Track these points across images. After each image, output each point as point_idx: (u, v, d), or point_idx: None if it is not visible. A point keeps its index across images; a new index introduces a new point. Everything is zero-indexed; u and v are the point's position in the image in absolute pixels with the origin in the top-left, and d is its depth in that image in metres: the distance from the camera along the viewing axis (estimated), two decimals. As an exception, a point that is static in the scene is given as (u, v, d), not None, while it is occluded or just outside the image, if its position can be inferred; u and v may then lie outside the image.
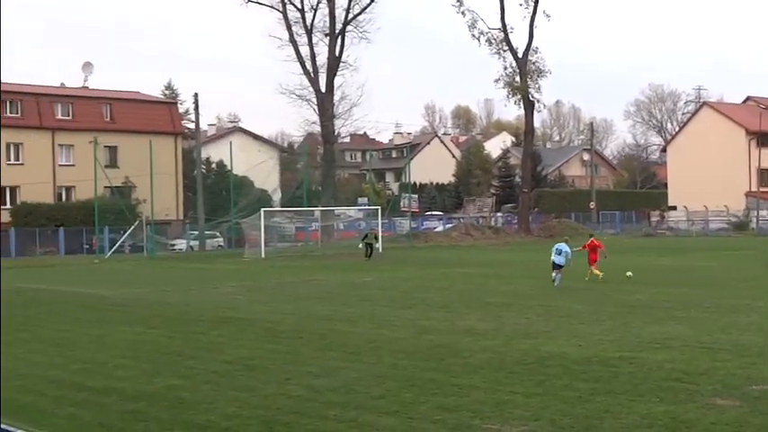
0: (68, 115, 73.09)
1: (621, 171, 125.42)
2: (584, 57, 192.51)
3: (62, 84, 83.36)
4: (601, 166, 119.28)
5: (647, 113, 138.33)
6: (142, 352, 18.74)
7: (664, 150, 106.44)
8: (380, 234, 59.21)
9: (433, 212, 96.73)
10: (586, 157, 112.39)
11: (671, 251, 54.51)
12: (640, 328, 20.46)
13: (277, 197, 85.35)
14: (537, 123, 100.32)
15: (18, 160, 70.04)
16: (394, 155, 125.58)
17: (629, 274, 34.07)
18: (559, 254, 31.67)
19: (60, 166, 71.75)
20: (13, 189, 69.47)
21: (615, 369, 15.60)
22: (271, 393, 14.25)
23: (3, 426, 8.25)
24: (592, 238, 36.17)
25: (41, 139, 70.91)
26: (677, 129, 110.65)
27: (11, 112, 70.20)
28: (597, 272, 33.41)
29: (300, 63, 73.10)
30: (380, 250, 53.50)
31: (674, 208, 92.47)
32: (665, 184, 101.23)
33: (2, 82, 76.59)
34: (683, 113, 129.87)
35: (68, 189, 72.11)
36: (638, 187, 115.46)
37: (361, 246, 53.24)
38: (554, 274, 31.50)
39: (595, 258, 33.99)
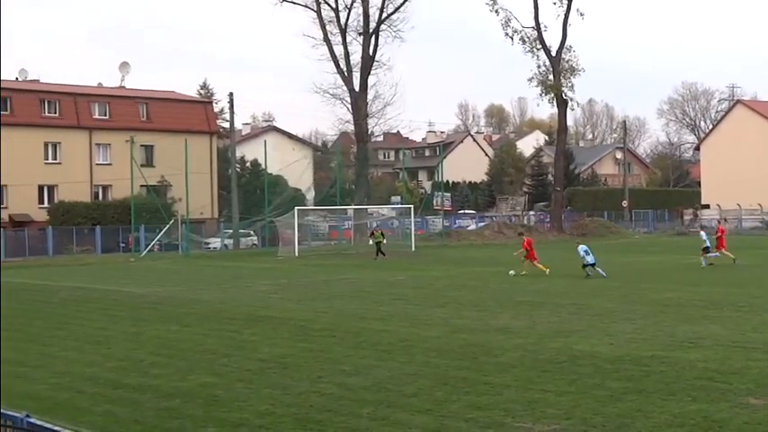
0: (105, 115, 73.71)
1: (654, 169, 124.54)
2: (617, 55, 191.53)
3: (99, 83, 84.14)
4: (634, 165, 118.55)
5: (681, 111, 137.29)
6: (177, 350, 18.94)
7: (697, 149, 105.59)
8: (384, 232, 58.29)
9: (466, 211, 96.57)
10: (619, 155, 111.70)
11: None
12: (673, 327, 20.39)
13: (311, 196, 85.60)
14: (570, 122, 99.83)
15: (56, 159, 70.74)
16: (427, 153, 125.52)
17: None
18: (588, 254, 34.53)
19: (97, 165, 72.35)
20: (51, 188, 70.18)
21: (647, 368, 15.58)
22: (304, 391, 14.37)
23: (33, 420, 8.36)
24: (525, 237, 39.92)
25: (79, 138, 71.56)
26: (711, 127, 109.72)
27: (49, 112, 70.92)
28: (543, 267, 35.80)
29: (334, 62, 73.32)
30: (385, 241, 53.03)
31: (708, 206, 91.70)
32: (699, 183, 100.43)
33: (41, 82, 78.01)
34: (716, 111, 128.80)
35: (105, 188, 72.74)
36: (671, 186, 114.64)
37: (371, 242, 53.08)
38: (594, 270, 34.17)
39: (533, 255, 36.72)
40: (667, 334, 19.37)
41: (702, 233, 42.37)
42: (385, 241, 53.14)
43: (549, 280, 33.46)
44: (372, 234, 53.08)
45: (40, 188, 69.76)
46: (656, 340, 18.61)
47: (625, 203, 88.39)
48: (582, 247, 35.15)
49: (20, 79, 79.24)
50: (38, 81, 79.53)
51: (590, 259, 34.42)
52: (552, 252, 47.64)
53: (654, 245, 56.57)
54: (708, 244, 40.34)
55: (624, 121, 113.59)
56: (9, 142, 67.31)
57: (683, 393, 13.59)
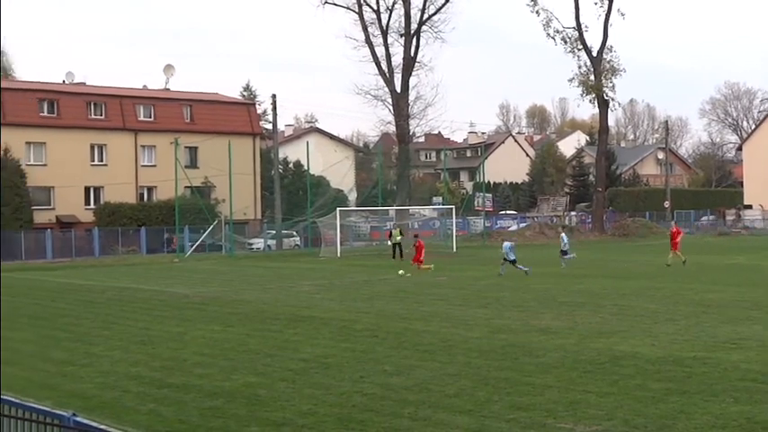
0: (150, 117, 74.41)
1: (696, 170, 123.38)
2: (658, 55, 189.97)
3: (144, 86, 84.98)
4: (675, 165, 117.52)
5: (723, 111, 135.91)
6: (220, 349, 19.13)
7: (739, 149, 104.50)
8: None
9: (507, 211, 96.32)
10: (661, 155, 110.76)
11: (746, 250, 53.58)
12: (715, 328, 20.27)
13: (353, 197, 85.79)
14: (611, 122, 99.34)
15: (102, 161, 71.52)
16: (468, 154, 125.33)
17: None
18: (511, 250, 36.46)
19: (142, 166, 73.05)
20: (97, 189, 70.96)
21: (689, 369, 15.52)
22: (346, 391, 14.47)
23: (79, 419, 8.52)
24: (418, 238, 43.73)
25: (124, 140, 72.32)
26: (753, 127, 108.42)
27: (95, 114, 71.70)
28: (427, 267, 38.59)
29: (376, 63, 73.42)
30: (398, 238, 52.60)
31: (750, 207, 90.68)
32: (741, 183, 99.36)
33: (87, 84, 78.93)
34: (759, 111, 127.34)
35: (150, 189, 73.43)
36: (714, 186, 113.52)
37: (389, 243, 52.66)
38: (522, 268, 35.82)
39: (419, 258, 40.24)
40: (709, 335, 19.27)
41: (564, 236, 42.79)
42: (399, 238, 52.57)
43: (592, 280, 33.30)
44: (390, 234, 52.11)
45: (87, 190, 70.55)
46: (699, 341, 18.52)
47: (667, 204, 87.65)
48: (507, 244, 36.51)
49: (66, 82, 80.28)
50: (84, 84, 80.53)
51: (511, 256, 35.40)
52: (593, 253, 47.39)
53: (696, 245, 55.98)
54: (565, 248, 41.20)
55: (666, 122, 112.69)
56: (56, 144, 68.36)
57: (726, 395, 13.53)
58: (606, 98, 76.72)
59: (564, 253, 40.51)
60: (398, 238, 52.00)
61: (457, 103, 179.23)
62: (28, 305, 29.68)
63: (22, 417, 8.96)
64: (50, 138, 68.39)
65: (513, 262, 35.93)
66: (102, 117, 71.89)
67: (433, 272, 39.04)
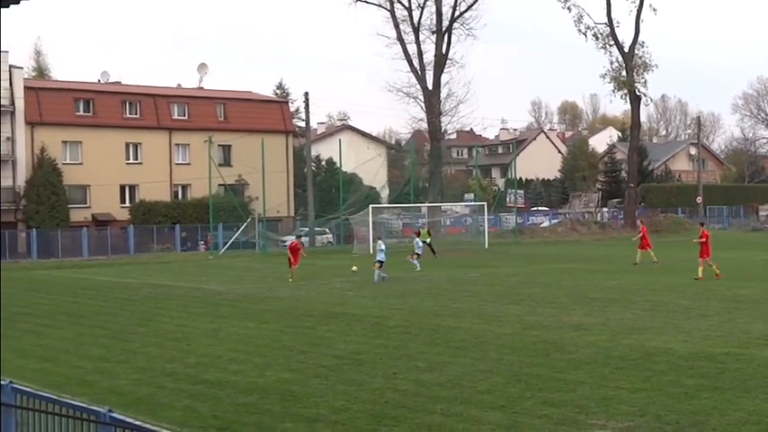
0: (184, 115, 74.85)
1: (729, 165, 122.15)
2: (690, 50, 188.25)
3: (178, 85, 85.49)
4: (708, 161, 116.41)
5: (756, 107, 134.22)
6: (254, 346, 19.30)
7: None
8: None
9: (539, 208, 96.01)
10: (693, 151, 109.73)
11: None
12: (748, 324, 20.18)
13: (385, 194, 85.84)
14: (643, 118, 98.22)
15: (137, 159, 72.05)
16: (500, 151, 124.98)
17: (354, 268, 36.90)
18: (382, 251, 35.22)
19: (177, 164, 73.48)
20: (133, 187, 71.49)
21: (722, 365, 15.49)
22: (378, 387, 14.58)
23: (115, 415, 8.67)
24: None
25: (159, 138, 72.77)
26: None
27: (130, 113, 72.24)
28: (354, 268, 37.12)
29: (408, 61, 73.47)
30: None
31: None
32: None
33: (122, 83, 79.57)
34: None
35: (184, 187, 73.86)
36: (746, 181, 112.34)
37: (421, 244, 50.76)
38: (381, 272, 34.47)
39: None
40: (742, 331, 19.19)
41: (418, 240, 43.03)
42: (428, 239, 50.87)
43: (624, 276, 33.18)
44: (419, 233, 50.55)
45: (122, 188, 71.10)
46: (731, 337, 18.46)
47: (699, 200, 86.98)
48: (379, 244, 36.31)
49: (102, 81, 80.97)
50: (119, 83, 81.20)
51: (381, 256, 34.90)
52: (625, 249, 47.13)
53: (728, 241, 55.52)
54: (419, 251, 41.15)
55: (698, 117, 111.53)
56: (92, 143, 68.99)
57: (759, 391, 13.50)
58: (638, 94, 76.24)
59: (416, 255, 40.24)
60: (428, 239, 51.06)
61: (488, 100, 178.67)
62: (66, 302, 30.05)
63: (59, 413, 9.13)
64: (86, 136, 69.02)
65: (380, 263, 34.57)
66: (137, 116, 72.42)
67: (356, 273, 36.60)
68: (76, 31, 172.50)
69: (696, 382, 14.21)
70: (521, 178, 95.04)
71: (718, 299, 25.53)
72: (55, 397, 9.78)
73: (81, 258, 58.46)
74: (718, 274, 31.81)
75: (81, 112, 69.87)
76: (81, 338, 21.19)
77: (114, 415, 8.60)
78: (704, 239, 33.41)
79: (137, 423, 8.67)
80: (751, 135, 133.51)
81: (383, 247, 36.10)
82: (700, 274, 31.83)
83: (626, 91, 75.64)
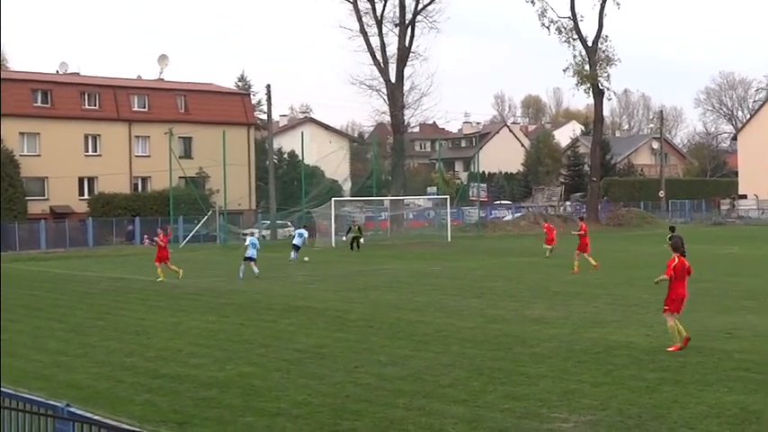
0: (144, 107, 74.25)
1: (691, 159, 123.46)
2: (653, 45, 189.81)
3: (138, 76, 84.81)
4: (670, 155, 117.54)
5: (718, 101, 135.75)
6: (215, 340, 19.14)
7: (734, 138, 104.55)
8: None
9: (502, 201, 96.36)
10: (656, 145, 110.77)
11: (741, 240, 53.73)
12: (709, 318, 20.31)
13: (347, 187, 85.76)
14: (606, 112, 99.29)
15: (96, 151, 71.34)
16: (463, 144, 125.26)
17: (305, 259, 37.78)
18: (254, 247, 34.65)
19: (136, 156, 72.90)
20: (91, 180, 70.83)
21: (683, 359, 15.56)
22: (340, 381, 14.48)
23: (73, 409, 8.52)
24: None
25: (118, 130, 72.12)
26: (748, 116, 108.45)
27: (89, 105, 71.56)
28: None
29: (371, 53, 73.33)
30: (362, 242, 50.47)
31: (745, 196, 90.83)
32: (736, 173, 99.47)
33: (81, 74, 78.73)
34: (753, 101, 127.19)
35: (144, 179, 73.32)
36: (708, 176, 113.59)
37: (345, 238, 52.09)
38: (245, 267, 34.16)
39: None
40: (704, 325, 19.28)
41: (302, 231, 44.01)
42: (363, 240, 51.41)
43: (585, 270, 33.30)
44: (350, 229, 50.98)
45: (81, 180, 70.44)
46: (693, 331, 18.45)
47: (662, 194, 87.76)
48: (251, 240, 35.91)
49: (60, 72, 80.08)
50: (78, 74, 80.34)
51: (250, 252, 34.38)
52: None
53: (690, 235, 55.86)
54: (297, 243, 42.06)
55: (661, 111, 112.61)
56: (50, 135, 68.19)
57: (720, 384, 13.57)
58: (601, 88, 76.72)
59: (295, 248, 40.67)
60: (360, 235, 51.04)
61: (451, 94, 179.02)
62: (23, 296, 29.64)
63: (16, 408, 8.96)
64: (44, 128, 68.21)
65: (251, 260, 34.24)
66: (96, 107, 71.72)
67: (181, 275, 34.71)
68: (34, 21, 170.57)
69: (657, 376, 14.25)
70: (484, 172, 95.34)
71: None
72: (11, 392, 9.59)
73: (39, 251, 57.76)
74: (595, 264, 33.67)
75: (39, 104, 69.07)
76: (38, 332, 20.89)
77: (72, 409, 8.47)
78: (582, 233, 34.71)
79: (95, 417, 8.51)
80: (713, 129, 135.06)
81: (255, 241, 35.85)
82: (575, 268, 33.08)
83: (589, 85, 76.08)
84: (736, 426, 11.42)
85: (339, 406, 12.86)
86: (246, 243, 35.65)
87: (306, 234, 43.53)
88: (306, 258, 38.19)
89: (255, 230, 65.43)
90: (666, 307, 16.83)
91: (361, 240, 50.98)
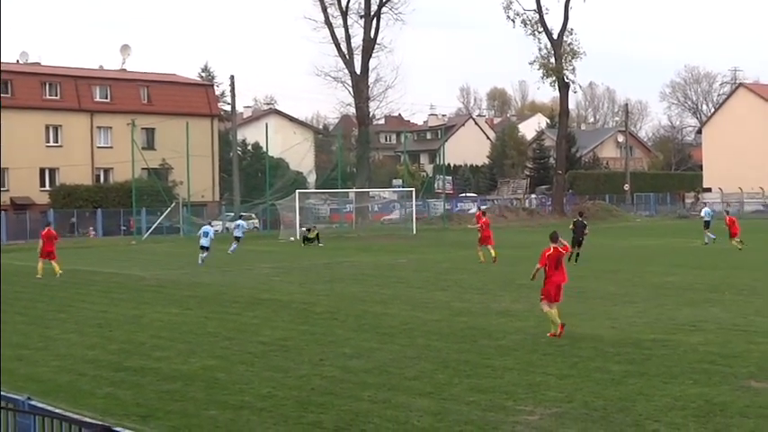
0: (106, 98, 73.55)
1: (656, 153, 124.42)
2: (619, 39, 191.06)
3: (100, 66, 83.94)
4: (635, 148, 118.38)
5: (683, 95, 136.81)
6: (178, 333, 18.97)
7: (699, 132, 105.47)
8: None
9: (468, 194, 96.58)
10: (621, 138, 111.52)
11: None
12: (674, 311, 20.42)
13: (312, 179, 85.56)
14: (571, 105, 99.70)
15: (57, 142, 70.60)
16: (429, 137, 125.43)
17: (291, 238, 36.33)
18: (206, 236, 36.31)
19: (98, 148, 72.23)
20: (53, 171, 70.10)
21: (649, 351, 15.62)
22: (305, 374, 14.40)
23: (34, 402, 8.38)
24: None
25: (80, 121, 71.40)
26: (713, 110, 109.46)
27: (50, 95, 70.80)
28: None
29: (336, 45, 73.05)
30: (321, 245, 48.61)
31: (709, 190, 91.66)
32: (701, 166, 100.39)
33: (41, 64, 77.81)
34: (718, 95, 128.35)
35: (106, 171, 72.65)
36: (673, 169, 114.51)
37: (293, 238, 51.95)
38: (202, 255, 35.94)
39: None
40: (669, 317, 19.41)
41: (241, 222, 45.92)
42: (312, 235, 50.10)
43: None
44: (309, 230, 50.51)
45: (42, 171, 69.70)
46: (658, 324, 18.64)
47: (627, 187, 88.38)
48: (204, 229, 37.56)
49: (20, 62, 79.01)
50: (39, 64, 79.30)
51: (203, 241, 36.16)
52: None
53: (655, 228, 56.49)
54: (238, 233, 43.59)
55: (626, 105, 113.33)
56: (10, 125, 67.19)
57: (685, 377, 13.62)
58: (566, 81, 77.14)
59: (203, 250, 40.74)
60: (313, 235, 50.22)
61: (417, 86, 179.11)
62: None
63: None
64: (4, 118, 67.02)
65: (204, 248, 36.14)
66: (58, 98, 70.95)
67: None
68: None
69: (623, 369, 14.29)
70: (449, 164, 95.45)
71: (644, 285, 25.84)
72: (-30, 386, 9.40)
73: (-2, 243, 57.05)
74: (491, 257, 34.33)
75: (-1, 93, 68.15)
76: (-2, 325, 20.58)
77: (33, 403, 8.36)
78: (480, 226, 35.75)
79: (57, 411, 8.38)
80: (678, 123, 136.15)
81: (211, 231, 37.59)
82: (482, 258, 34.46)
83: (554, 78, 76.48)
84: (700, 418, 11.46)
85: (304, 399, 12.78)
86: (199, 233, 36.74)
87: (245, 225, 46.30)
88: (291, 238, 38.46)
89: (220, 222, 65.14)
90: (542, 296, 17.69)
91: (320, 244, 49.50)
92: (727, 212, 48.36)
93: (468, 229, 64.28)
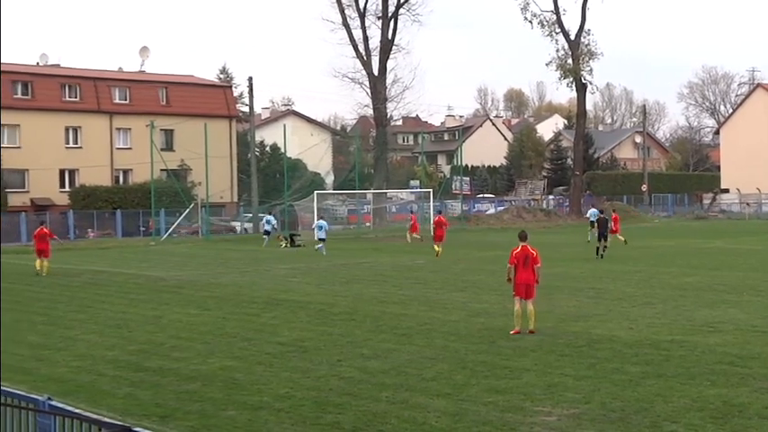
0: (126, 99, 73.89)
1: (674, 154, 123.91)
2: (636, 39, 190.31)
3: (119, 68, 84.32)
4: (653, 149, 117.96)
5: (701, 96, 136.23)
6: (197, 333, 19.04)
7: (717, 133, 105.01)
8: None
9: (485, 195, 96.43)
10: (639, 139, 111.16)
11: (723, 234, 53.88)
12: (692, 312, 20.35)
13: (330, 180, 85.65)
14: (589, 106, 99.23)
15: (77, 144, 71.00)
16: (446, 137, 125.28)
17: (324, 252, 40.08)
18: (321, 229, 42.14)
19: (118, 149, 72.62)
20: (72, 172, 70.50)
21: (666, 352, 15.58)
22: (323, 375, 14.43)
23: (54, 403, 8.44)
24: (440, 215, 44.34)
25: (99, 122, 71.79)
26: (730, 111, 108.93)
27: (70, 97, 71.20)
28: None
29: (353, 46, 73.19)
30: (303, 246, 48.28)
31: (727, 191, 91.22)
32: (718, 167, 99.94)
33: (61, 66, 78.20)
34: (736, 95, 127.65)
35: (125, 172, 73.01)
36: (691, 170, 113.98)
37: (268, 239, 51.87)
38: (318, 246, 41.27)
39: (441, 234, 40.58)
40: (687, 318, 19.35)
41: (267, 219, 50.11)
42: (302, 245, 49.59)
43: (569, 264, 33.36)
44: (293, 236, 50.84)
45: (62, 172, 70.11)
46: (676, 325, 18.59)
47: (644, 188, 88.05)
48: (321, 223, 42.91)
49: (40, 64, 79.52)
50: (58, 66, 79.79)
51: (321, 234, 41.86)
52: (571, 237, 47.53)
53: (673, 229, 56.23)
54: (268, 229, 46.79)
55: (644, 105, 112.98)
56: (30, 127, 67.76)
57: (703, 378, 13.58)
58: (584, 82, 76.94)
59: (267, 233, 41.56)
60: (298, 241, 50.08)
61: (434, 87, 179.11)
62: (3, 289, 29.37)
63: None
64: (24, 120, 67.76)
65: (321, 240, 41.35)
66: (77, 99, 71.32)
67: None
68: (15, 11, 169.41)
69: (641, 370, 14.26)
70: (466, 165, 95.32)
71: (662, 286, 25.75)
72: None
73: (19, 244, 57.32)
74: (438, 252, 38.65)
75: (19, 95, 68.63)
76: (18, 325, 20.71)
77: (53, 403, 8.40)
78: (434, 225, 40.88)
79: (76, 411, 8.44)
80: (696, 124, 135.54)
81: (325, 225, 42.47)
82: (437, 249, 39.00)
83: (572, 79, 76.28)
84: (718, 419, 11.43)
85: (322, 399, 12.82)
86: (313, 226, 43.28)
87: (274, 220, 51.87)
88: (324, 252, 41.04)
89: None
90: (514, 292, 18.61)
91: (300, 244, 49.20)
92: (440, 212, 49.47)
93: (485, 230, 64.25)
